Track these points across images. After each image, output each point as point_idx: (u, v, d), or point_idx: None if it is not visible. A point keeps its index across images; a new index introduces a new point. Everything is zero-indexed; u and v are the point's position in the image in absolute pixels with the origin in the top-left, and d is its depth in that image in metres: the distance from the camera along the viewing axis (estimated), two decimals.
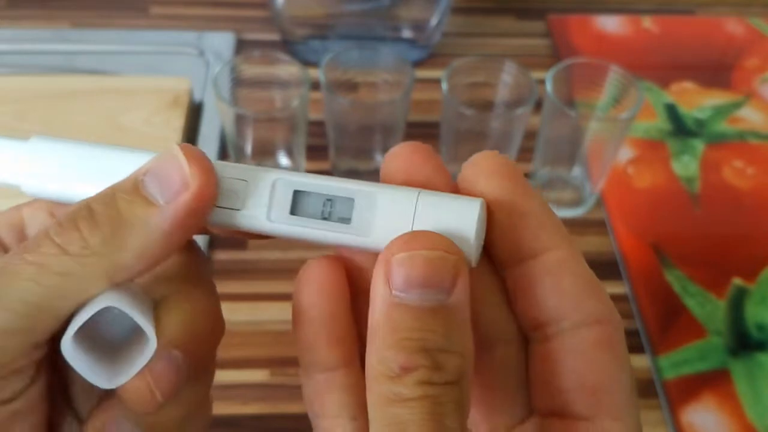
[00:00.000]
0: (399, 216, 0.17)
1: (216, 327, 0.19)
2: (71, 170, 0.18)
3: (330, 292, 0.18)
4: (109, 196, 0.17)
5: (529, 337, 0.18)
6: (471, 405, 0.16)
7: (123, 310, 0.16)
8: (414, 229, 0.16)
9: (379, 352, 0.15)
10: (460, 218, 0.16)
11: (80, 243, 0.16)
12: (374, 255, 0.17)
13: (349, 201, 0.17)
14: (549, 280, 0.17)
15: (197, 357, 0.18)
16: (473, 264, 0.17)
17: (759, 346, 0.41)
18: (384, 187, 0.17)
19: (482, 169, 0.17)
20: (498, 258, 0.18)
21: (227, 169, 0.18)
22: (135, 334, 0.17)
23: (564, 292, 0.17)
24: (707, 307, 0.42)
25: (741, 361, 0.40)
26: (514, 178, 0.17)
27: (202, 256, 0.20)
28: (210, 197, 0.17)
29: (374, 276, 0.16)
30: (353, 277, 0.18)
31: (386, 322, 0.15)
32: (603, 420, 0.17)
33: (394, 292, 0.15)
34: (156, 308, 0.18)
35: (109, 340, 0.17)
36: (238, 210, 0.17)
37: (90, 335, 0.17)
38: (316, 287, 0.18)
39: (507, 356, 0.18)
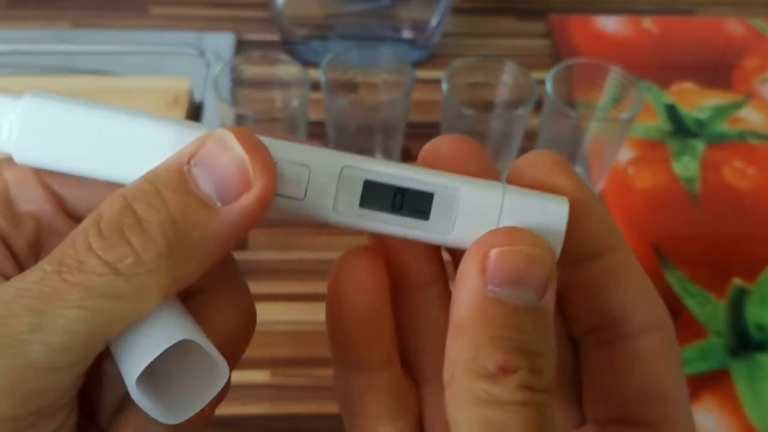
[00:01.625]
0: (483, 213, 0.15)
1: (252, 324, 0.17)
2: (77, 138, 0.15)
3: (373, 287, 0.16)
4: (154, 195, 0.14)
5: (583, 341, 0.17)
6: None
7: (197, 343, 0.14)
8: (500, 225, 0.15)
9: (472, 349, 0.14)
10: (548, 217, 0.15)
11: (132, 259, 0.14)
12: (423, 248, 0.16)
13: (428, 195, 0.16)
14: (614, 282, 0.16)
15: (235, 361, 0.17)
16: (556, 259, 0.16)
17: (759, 347, 0.41)
18: (464, 180, 0.16)
19: (543, 166, 0.16)
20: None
21: (285, 151, 0.15)
22: (186, 350, 0.15)
23: (628, 295, 0.16)
24: (707, 308, 0.42)
25: (741, 362, 0.40)
26: (576, 177, 0.16)
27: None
28: (273, 194, 0.15)
29: (464, 268, 0.15)
30: (394, 271, 0.17)
31: (479, 317, 0.14)
32: (666, 428, 0.16)
33: (489, 286, 0.14)
34: (189, 306, 0.16)
35: (159, 362, 0.15)
36: (299, 200, 0.15)
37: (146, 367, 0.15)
38: (357, 282, 0.16)
39: (558, 361, 0.17)
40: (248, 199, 0.14)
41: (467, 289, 0.14)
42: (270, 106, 0.45)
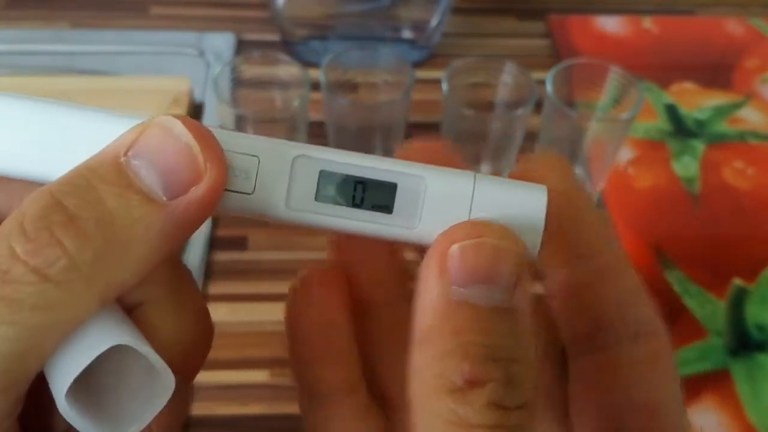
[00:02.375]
0: (453, 204, 0.14)
1: (208, 331, 0.16)
2: (16, 136, 0.14)
3: (329, 306, 0.15)
4: (88, 189, 0.12)
5: (571, 350, 0.16)
6: None
7: (135, 348, 0.13)
8: (472, 218, 0.14)
9: (437, 360, 0.12)
10: (525, 206, 0.14)
11: (64, 262, 0.12)
12: (386, 260, 0.15)
13: (391, 186, 0.14)
14: (603, 285, 0.15)
15: (193, 372, 0.15)
16: (535, 260, 0.14)
17: (759, 347, 0.40)
18: (430, 169, 0.14)
19: (540, 163, 0.15)
20: (542, 258, 0.15)
21: (233, 141, 0.14)
22: (127, 360, 0.14)
23: (621, 299, 0.15)
24: (707, 308, 0.42)
25: (741, 362, 0.40)
26: (572, 174, 0.15)
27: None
28: (224, 186, 0.13)
29: (425, 269, 0.13)
30: (357, 287, 0.16)
31: (444, 324, 0.13)
32: None
33: (453, 287, 0.13)
34: (134, 317, 0.14)
35: (92, 377, 0.14)
36: (248, 194, 0.14)
37: (78, 379, 0.13)
38: (312, 302, 0.15)
39: (542, 371, 0.16)
40: (199, 191, 0.13)
41: (429, 292, 0.13)
42: (270, 106, 0.45)
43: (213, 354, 0.44)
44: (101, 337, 0.13)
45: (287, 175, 0.14)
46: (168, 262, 0.14)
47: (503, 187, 0.14)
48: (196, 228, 0.13)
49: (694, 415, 0.38)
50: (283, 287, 0.48)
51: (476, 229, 0.13)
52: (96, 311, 0.13)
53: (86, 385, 0.13)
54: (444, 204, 0.14)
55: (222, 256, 0.44)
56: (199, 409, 0.37)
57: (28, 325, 0.12)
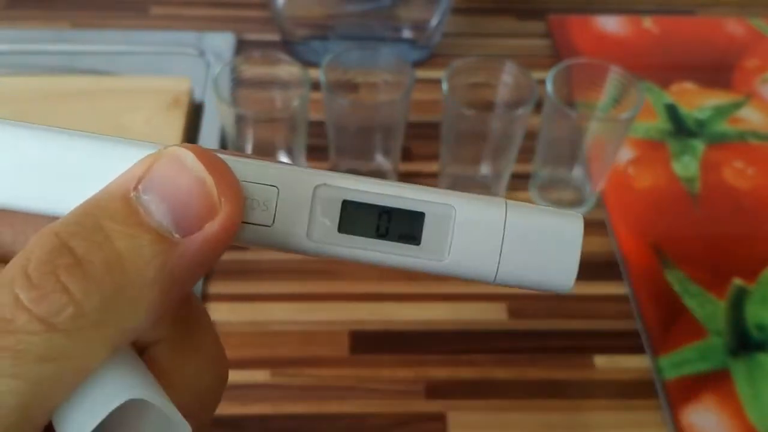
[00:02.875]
0: (484, 234, 0.13)
1: (224, 375, 0.15)
2: (19, 168, 0.13)
3: None
4: (94, 229, 0.11)
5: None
6: None
7: (152, 402, 0.12)
8: (504, 250, 0.13)
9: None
10: (560, 234, 0.13)
11: (72, 310, 0.11)
12: None
13: (419, 215, 0.13)
14: None
15: (207, 415, 0.14)
16: (571, 289, 0.14)
17: (759, 347, 0.41)
18: (460, 196, 0.14)
19: None
20: None
21: (250, 170, 0.13)
22: (142, 407, 0.13)
23: None
24: (707, 308, 0.42)
25: (741, 362, 0.40)
26: None
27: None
28: (240, 221, 0.13)
29: None
30: None
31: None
32: None
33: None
34: (147, 357, 0.13)
35: (110, 423, 0.13)
36: (267, 227, 0.13)
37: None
38: None
39: None
40: (213, 227, 0.12)
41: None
42: (270, 106, 0.45)
43: None
44: (115, 390, 0.12)
45: (308, 206, 0.13)
46: (182, 301, 0.14)
47: (537, 215, 0.14)
48: (212, 265, 0.13)
49: (694, 415, 0.38)
50: (283, 287, 0.48)
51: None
52: (107, 358, 0.12)
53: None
54: (475, 234, 0.13)
55: (223, 256, 0.44)
56: None
57: (33, 378, 0.11)
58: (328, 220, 0.13)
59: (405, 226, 0.13)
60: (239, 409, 0.37)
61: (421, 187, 0.14)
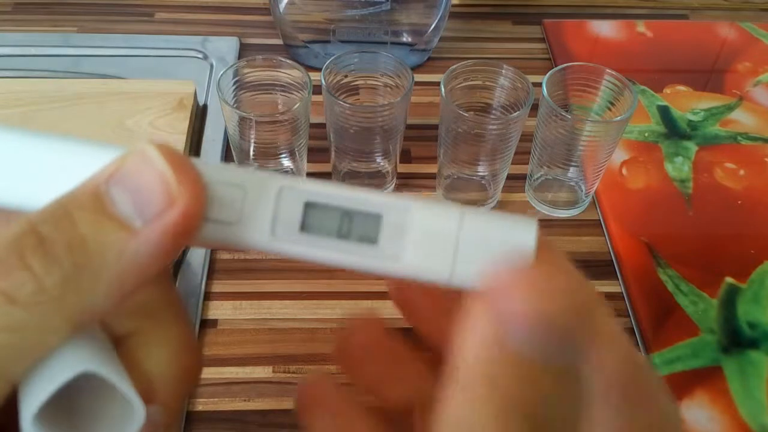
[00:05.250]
0: (438, 237, 0.14)
1: (196, 368, 0.15)
2: (7, 168, 0.14)
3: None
4: (63, 216, 0.12)
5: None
6: None
7: (104, 377, 0.13)
8: (459, 253, 0.14)
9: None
10: (513, 241, 0.14)
11: (32, 285, 0.12)
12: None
13: (376, 217, 0.14)
14: None
15: (177, 408, 0.15)
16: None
17: (751, 344, 0.41)
18: (417, 201, 0.14)
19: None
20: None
21: (219, 173, 0.14)
22: (103, 390, 0.13)
23: None
24: (700, 306, 0.43)
25: (733, 359, 0.40)
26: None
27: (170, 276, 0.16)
28: (200, 213, 0.13)
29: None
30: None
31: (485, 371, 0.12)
32: None
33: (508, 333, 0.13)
34: (124, 348, 0.14)
35: (69, 400, 0.13)
36: (233, 224, 0.14)
37: (51, 402, 0.13)
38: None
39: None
40: (171, 215, 0.13)
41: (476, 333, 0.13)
42: (272, 108, 0.46)
43: (217, 350, 0.45)
44: (72, 363, 0.12)
45: (272, 207, 0.14)
46: (160, 294, 0.15)
47: (491, 222, 0.14)
48: (174, 254, 0.13)
49: (686, 410, 0.39)
50: (285, 285, 0.48)
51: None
52: (68, 336, 0.12)
53: (61, 410, 0.13)
54: (430, 237, 0.14)
55: (225, 254, 0.44)
56: (204, 404, 0.38)
57: None
58: (291, 221, 0.14)
59: (363, 227, 0.14)
60: (241, 405, 0.38)
61: (380, 192, 0.14)
